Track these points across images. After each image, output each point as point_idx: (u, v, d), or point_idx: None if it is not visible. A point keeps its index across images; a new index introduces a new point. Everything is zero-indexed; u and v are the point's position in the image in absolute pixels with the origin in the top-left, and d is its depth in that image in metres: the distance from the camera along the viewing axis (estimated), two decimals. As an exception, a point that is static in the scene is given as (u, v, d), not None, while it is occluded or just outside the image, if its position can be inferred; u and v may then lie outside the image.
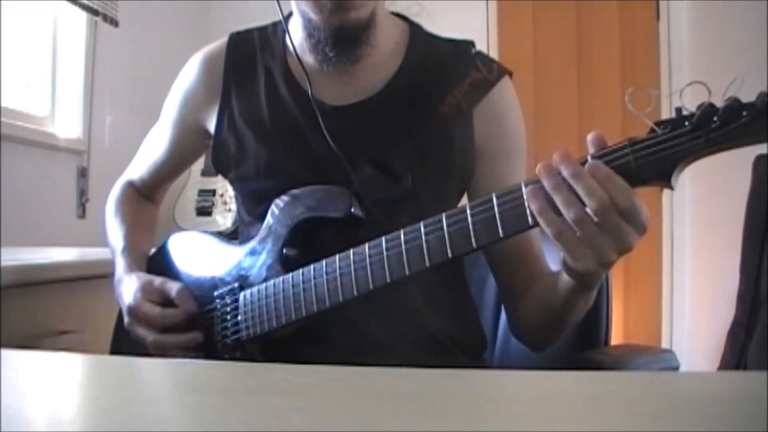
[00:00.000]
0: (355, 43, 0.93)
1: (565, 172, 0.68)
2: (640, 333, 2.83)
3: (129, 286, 0.97)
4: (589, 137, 0.69)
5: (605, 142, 0.69)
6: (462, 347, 0.96)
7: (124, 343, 0.98)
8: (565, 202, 0.67)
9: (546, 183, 0.68)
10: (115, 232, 1.10)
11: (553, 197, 0.68)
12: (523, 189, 0.71)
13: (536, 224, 0.71)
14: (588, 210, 0.67)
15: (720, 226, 2.56)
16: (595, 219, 0.67)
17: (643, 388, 0.55)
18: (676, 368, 1.13)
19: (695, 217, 2.75)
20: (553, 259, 0.99)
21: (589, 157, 0.69)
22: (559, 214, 0.68)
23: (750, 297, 2.09)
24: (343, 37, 0.92)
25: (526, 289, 0.92)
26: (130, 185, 1.19)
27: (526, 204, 0.70)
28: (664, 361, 1.12)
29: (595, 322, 1.11)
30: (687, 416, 0.45)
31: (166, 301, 0.94)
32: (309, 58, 0.97)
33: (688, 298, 2.78)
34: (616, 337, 1.25)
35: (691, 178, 2.67)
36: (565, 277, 0.78)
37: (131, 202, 1.17)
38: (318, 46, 0.93)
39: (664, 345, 2.76)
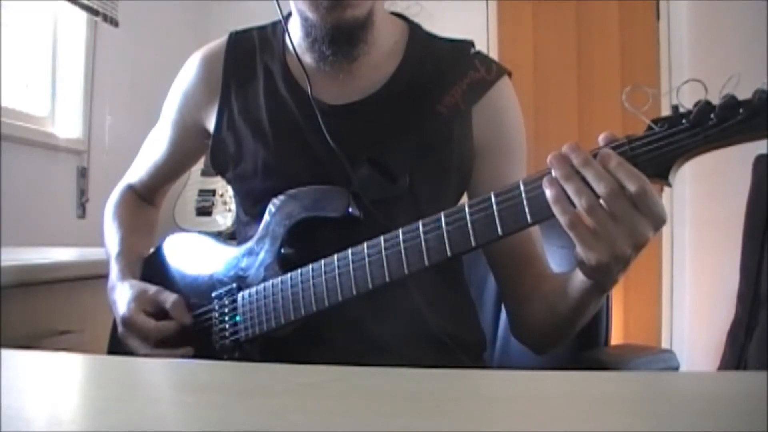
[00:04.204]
0: (352, 41, 0.93)
1: (575, 161, 0.67)
2: (640, 333, 2.83)
3: (122, 295, 0.97)
4: (601, 137, 0.69)
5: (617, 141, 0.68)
6: (462, 347, 0.96)
7: (120, 347, 0.97)
8: (576, 190, 0.67)
9: (558, 173, 0.68)
10: (112, 236, 1.10)
11: (564, 187, 0.67)
12: (522, 187, 0.71)
13: (535, 222, 0.71)
14: (601, 201, 0.66)
15: (720, 226, 2.56)
16: (606, 206, 0.66)
17: (643, 388, 0.55)
18: (676, 368, 1.13)
19: (695, 217, 2.75)
20: (554, 260, 0.99)
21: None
22: (574, 204, 0.68)
23: (750, 297, 2.09)
24: (340, 36, 0.91)
25: (531, 291, 0.91)
26: (130, 189, 1.19)
27: (524, 202, 0.70)
28: (664, 361, 1.12)
29: (595, 322, 1.11)
30: (687, 416, 0.45)
31: (160, 312, 0.94)
32: (308, 58, 0.97)
33: (688, 298, 2.78)
34: (616, 337, 1.25)
35: (691, 178, 2.67)
36: (577, 279, 0.77)
37: (130, 205, 1.16)
38: (315, 44, 0.93)
39: (664, 345, 2.76)
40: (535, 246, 0.94)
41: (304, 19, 0.93)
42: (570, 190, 0.67)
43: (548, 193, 0.68)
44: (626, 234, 0.66)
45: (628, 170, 0.65)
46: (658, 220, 0.67)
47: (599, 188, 0.66)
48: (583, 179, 0.67)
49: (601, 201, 0.67)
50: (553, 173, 0.68)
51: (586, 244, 0.68)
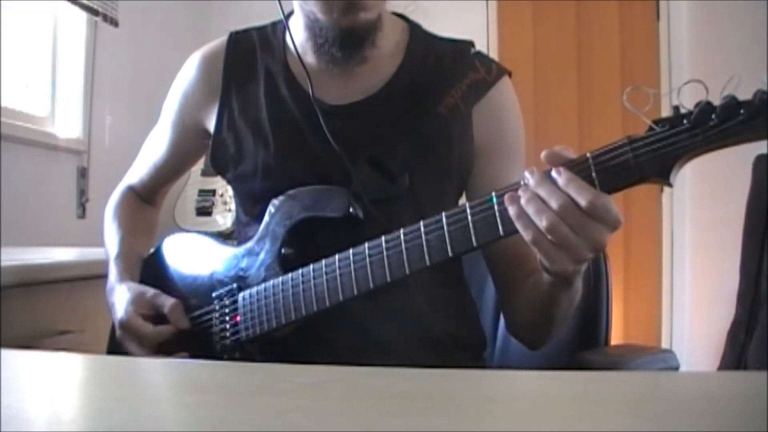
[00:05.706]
0: (363, 44, 0.93)
1: (530, 183, 0.69)
2: (640, 333, 2.83)
3: (120, 298, 0.96)
4: (543, 154, 0.71)
5: (562, 158, 0.70)
6: (462, 347, 0.96)
7: (120, 348, 0.97)
8: (536, 211, 0.69)
9: (522, 199, 0.70)
10: (111, 237, 1.10)
11: (526, 210, 0.69)
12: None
13: None
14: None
15: (720, 226, 2.57)
16: (563, 221, 0.68)
17: (643, 388, 0.55)
18: (676, 368, 1.13)
19: (695, 217, 2.75)
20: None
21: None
22: None
23: (750, 297, 2.09)
24: (352, 38, 0.92)
25: (520, 288, 0.92)
26: (130, 189, 1.18)
27: None
28: (664, 361, 1.12)
29: (595, 322, 1.11)
30: (687, 416, 0.45)
31: (158, 315, 0.94)
32: (310, 58, 0.97)
33: (688, 298, 2.78)
34: (616, 337, 1.25)
35: (691, 179, 2.67)
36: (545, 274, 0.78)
37: (130, 206, 1.16)
38: (324, 46, 0.93)
39: (664, 345, 2.76)
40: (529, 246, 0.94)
41: (314, 21, 0.92)
42: (530, 212, 0.69)
43: (511, 210, 0.70)
44: (585, 242, 0.69)
45: (578, 185, 0.67)
46: (614, 224, 0.69)
47: (553, 205, 0.68)
48: (542, 201, 0.69)
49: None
50: (520, 198, 0.70)
51: (550, 257, 0.70)
